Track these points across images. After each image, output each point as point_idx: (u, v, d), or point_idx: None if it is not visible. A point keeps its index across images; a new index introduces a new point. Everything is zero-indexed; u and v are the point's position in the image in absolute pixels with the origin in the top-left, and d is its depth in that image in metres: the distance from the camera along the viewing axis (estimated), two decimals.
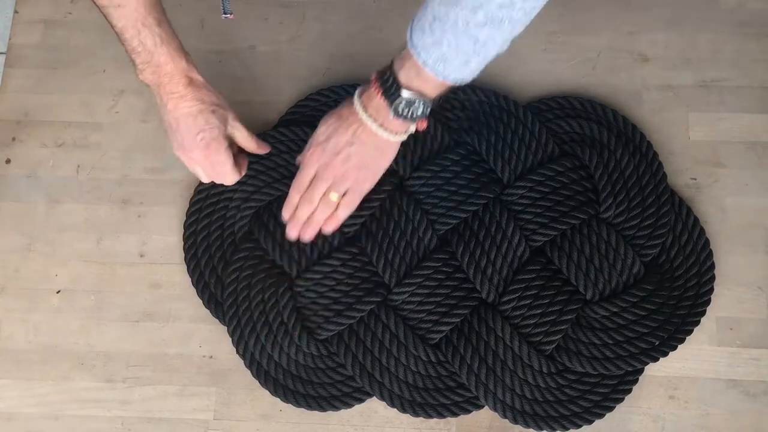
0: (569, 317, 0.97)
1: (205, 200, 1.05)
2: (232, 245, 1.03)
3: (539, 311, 0.97)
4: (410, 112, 0.87)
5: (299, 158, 0.99)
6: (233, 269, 1.01)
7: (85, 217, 1.06)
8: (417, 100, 0.86)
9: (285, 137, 1.06)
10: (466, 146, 1.04)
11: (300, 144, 1.05)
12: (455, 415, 0.96)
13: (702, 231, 1.01)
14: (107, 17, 0.87)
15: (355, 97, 0.92)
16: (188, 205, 1.05)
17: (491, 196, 1.01)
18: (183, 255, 1.04)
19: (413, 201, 1.02)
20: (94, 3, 0.86)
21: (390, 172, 1.03)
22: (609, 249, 0.99)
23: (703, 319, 0.98)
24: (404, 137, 0.93)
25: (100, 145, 1.10)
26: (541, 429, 0.95)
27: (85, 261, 1.05)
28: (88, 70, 1.13)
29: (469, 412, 0.96)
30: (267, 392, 0.98)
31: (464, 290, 0.98)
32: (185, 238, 1.04)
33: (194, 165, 0.97)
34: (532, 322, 0.97)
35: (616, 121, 1.06)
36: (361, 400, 0.97)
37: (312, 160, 0.96)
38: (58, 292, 1.03)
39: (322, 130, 0.96)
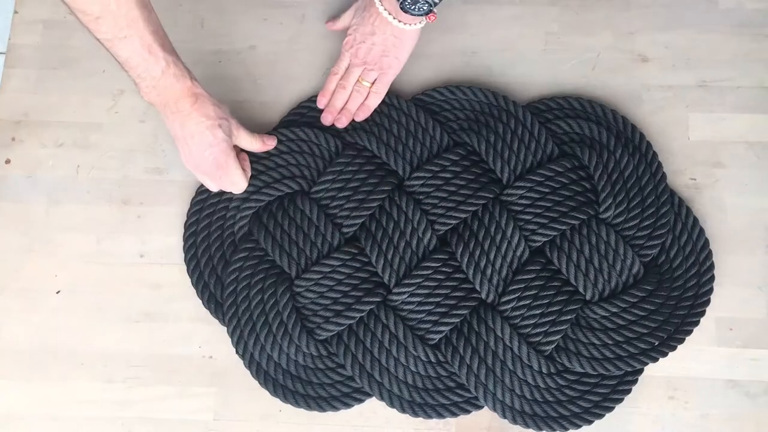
0: (569, 317, 0.97)
1: (206, 201, 1.05)
2: (232, 245, 1.03)
3: (539, 311, 0.97)
4: (415, 7, 0.96)
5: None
6: (233, 269, 1.01)
7: (85, 217, 1.06)
8: None
9: (285, 138, 1.06)
10: (465, 146, 1.04)
11: (301, 144, 1.05)
12: (455, 415, 0.96)
13: (701, 231, 1.01)
14: (111, 49, 0.89)
15: None
16: (188, 206, 1.05)
17: (491, 196, 1.01)
18: (183, 255, 1.04)
19: (413, 201, 1.02)
20: (96, 37, 0.87)
21: (389, 173, 1.03)
22: (608, 249, 0.99)
23: (702, 320, 0.98)
24: (419, 27, 1.01)
25: (100, 145, 1.10)
26: (541, 429, 0.95)
27: (85, 261, 1.05)
28: (88, 70, 1.13)
29: (469, 412, 0.96)
30: (267, 392, 0.98)
31: (464, 290, 0.98)
32: (185, 239, 1.04)
33: (204, 178, 1.00)
34: (531, 322, 0.97)
35: (615, 122, 1.06)
36: (360, 401, 0.97)
37: (345, 49, 1.06)
38: (58, 292, 1.04)
39: (356, 20, 1.04)
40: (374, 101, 1.06)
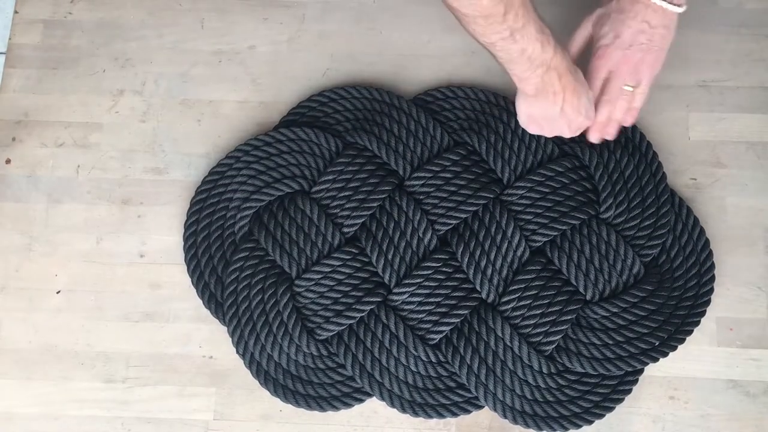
0: (569, 317, 0.97)
1: (206, 200, 1.05)
2: (232, 245, 1.03)
3: (539, 311, 0.97)
4: None
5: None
6: (233, 269, 1.01)
7: (85, 217, 1.06)
8: None
9: (285, 138, 1.06)
10: (466, 146, 1.04)
11: (301, 144, 1.05)
12: (455, 415, 0.96)
13: (702, 231, 1.01)
14: (503, 48, 0.85)
15: None
16: (188, 205, 1.05)
17: (491, 196, 1.01)
18: (183, 255, 1.03)
19: (413, 201, 1.02)
20: (484, 42, 0.84)
21: (390, 172, 1.03)
22: (609, 249, 0.99)
23: (703, 320, 0.98)
24: (686, 6, 0.95)
25: (100, 145, 1.10)
26: (541, 429, 0.95)
27: (85, 261, 1.05)
28: (88, 70, 1.13)
29: (469, 412, 0.96)
30: (267, 392, 0.98)
31: (464, 290, 0.98)
32: (185, 238, 1.04)
33: (561, 131, 0.99)
34: (532, 322, 0.97)
35: None
36: (361, 401, 0.97)
37: (601, 64, 0.98)
38: (58, 292, 1.04)
39: (606, 30, 0.97)
40: (641, 101, 0.99)
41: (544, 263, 0.99)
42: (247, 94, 1.11)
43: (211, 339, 1.01)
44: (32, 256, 1.05)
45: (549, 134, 1.00)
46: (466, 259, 0.99)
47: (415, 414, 0.96)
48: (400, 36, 1.14)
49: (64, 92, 1.12)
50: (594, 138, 1.01)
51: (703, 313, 0.98)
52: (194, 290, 1.02)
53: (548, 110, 0.94)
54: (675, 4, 0.94)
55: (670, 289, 0.99)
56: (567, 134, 0.99)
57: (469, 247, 0.99)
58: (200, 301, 1.02)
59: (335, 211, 1.02)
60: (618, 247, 0.99)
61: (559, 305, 0.97)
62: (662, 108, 1.09)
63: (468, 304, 0.98)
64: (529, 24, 0.83)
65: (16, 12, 1.16)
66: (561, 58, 0.89)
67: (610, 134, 1.01)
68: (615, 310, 0.97)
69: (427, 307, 0.98)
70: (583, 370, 0.96)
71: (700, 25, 1.12)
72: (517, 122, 1.04)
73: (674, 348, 0.96)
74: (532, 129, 1.00)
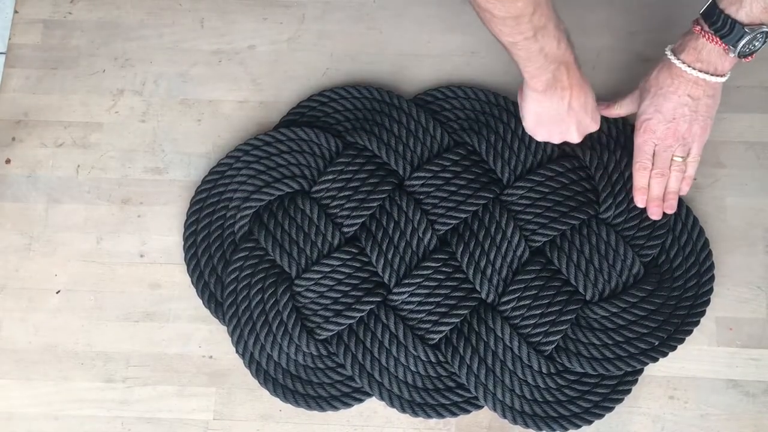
0: (569, 317, 0.97)
1: (206, 200, 1.05)
2: (232, 245, 1.03)
3: (539, 311, 0.97)
4: (751, 47, 0.89)
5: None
6: (233, 269, 1.01)
7: (85, 217, 1.06)
8: (759, 34, 0.88)
9: (285, 137, 1.06)
10: (466, 146, 1.04)
11: (301, 144, 1.05)
12: (455, 415, 0.96)
13: (702, 231, 1.01)
14: (525, 47, 0.85)
15: (672, 60, 0.93)
16: (188, 205, 1.05)
17: (491, 196, 1.01)
18: (183, 255, 1.04)
19: (413, 201, 1.02)
20: (506, 42, 0.84)
21: (390, 172, 1.03)
22: (609, 249, 0.99)
23: (702, 320, 0.98)
24: (730, 73, 0.94)
25: (100, 145, 1.10)
26: (541, 429, 0.95)
27: (85, 261, 1.05)
28: (88, 70, 1.13)
29: (469, 412, 0.96)
30: (267, 392, 0.98)
31: (464, 290, 0.98)
32: (185, 238, 1.04)
33: (569, 136, 0.99)
34: (531, 322, 0.97)
35: (615, 122, 1.06)
36: (360, 401, 0.97)
37: (646, 138, 0.97)
38: (58, 292, 1.04)
39: (647, 104, 0.96)
40: (694, 170, 0.99)
41: (544, 263, 0.99)
42: (247, 94, 1.12)
43: (211, 339, 1.01)
44: (32, 256, 1.05)
45: (557, 139, 0.99)
46: (466, 259, 0.99)
47: (415, 414, 0.96)
48: (400, 36, 1.14)
49: (64, 92, 1.12)
50: (655, 215, 1.00)
51: (702, 313, 0.98)
52: (194, 290, 1.02)
53: (557, 107, 0.94)
54: (718, 75, 0.92)
55: (670, 289, 0.99)
56: (575, 138, 0.99)
57: (469, 247, 0.99)
58: (200, 301, 1.02)
59: (335, 210, 1.02)
60: (617, 247, 0.99)
61: (558, 305, 0.97)
62: None
63: (468, 304, 0.98)
64: (549, 22, 0.84)
65: (16, 12, 1.16)
66: (571, 52, 0.90)
67: (671, 207, 1.00)
68: (614, 310, 0.97)
69: (426, 307, 0.98)
70: (582, 370, 0.96)
71: None
72: (517, 122, 1.05)
73: (674, 348, 0.96)
74: (540, 135, 0.99)
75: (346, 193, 1.02)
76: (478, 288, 0.98)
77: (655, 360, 0.96)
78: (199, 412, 0.98)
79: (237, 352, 0.99)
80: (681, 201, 1.02)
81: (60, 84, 1.12)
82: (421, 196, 1.02)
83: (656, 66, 0.96)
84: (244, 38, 1.14)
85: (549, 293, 0.98)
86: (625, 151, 1.04)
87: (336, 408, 0.97)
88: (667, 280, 0.99)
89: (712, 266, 1.00)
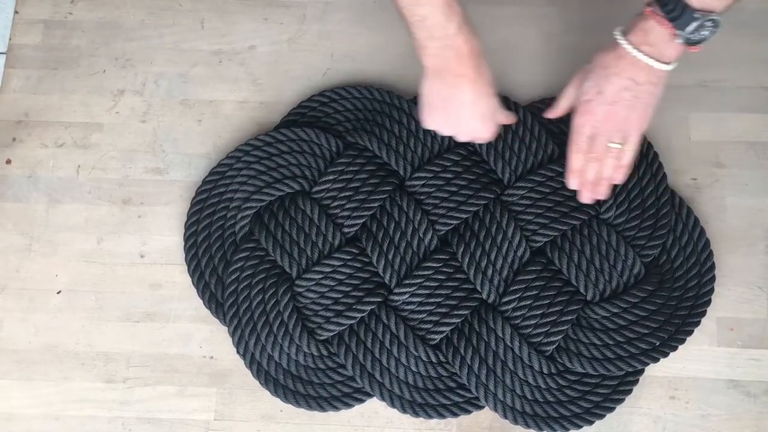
0: (570, 318, 0.97)
1: (206, 200, 1.05)
2: (232, 245, 1.03)
3: (540, 312, 0.97)
4: (699, 35, 0.87)
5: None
6: (234, 269, 1.01)
7: (86, 217, 1.06)
8: (707, 22, 0.87)
9: (286, 138, 1.06)
10: (466, 147, 1.04)
11: (301, 144, 1.05)
12: (455, 415, 0.96)
13: (702, 231, 1.02)
14: (410, 7, 0.85)
15: (620, 40, 0.91)
16: (189, 206, 1.05)
17: (492, 196, 1.01)
18: (183, 255, 1.04)
19: (414, 201, 1.02)
20: (399, 5, 0.85)
21: (391, 173, 1.03)
22: (609, 249, 0.99)
23: (703, 320, 0.98)
24: (676, 64, 0.92)
25: (100, 145, 1.10)
26: (542, 429, 0.95)
27: (85, 261, 1.05)
28: (88, 70, 1.13)
29: (470, 412, 0.96)
30: (267, 392, 0.98)
31: (465, 291, 0.98)
32: (186, 238, 1.04)
33: (446, 131, 0.98)
34: (532, 322, 0.97)
35: None
36: (361, 401, 0.97)
37: (585, 120, 0.95)
38: (58, 292, 1.04)
39: (589, 85, 0.94)
40: (630, 158, 0.97)
41: (545, 263, 0.99)
42: (247, 94, 1.12)
43: (212, 339, 1.01)
44: (33, 256, 1.05)
45: (447, 132, 0.98)
46: (467, 260, 0.99)
47: (416, 414, 0.96)
48: (401, 36, 1.13)
49: (65, 92, 1.12)
50: (585, 198, 0.99)
51: (703, 313, 0.98)
52: (194, 290, 1.02)
53: (447, 93, 0.93)
54: (663, 62, 0.91)
55: (671, 290, 0.99)
56: (462, 137, 0.98)
57: (470, 248, 0.99)
58: (201, 301, 1.02)
59: (336, 211, 1.02)
60: (618, 247, 0.99)
61: (559, 305, 0.97)
62: (662, 108, 1.08)
63: (468, 304, 0.98)
64: None
65: (16, 12, 1.16)
66: (465, 40, 0.89)
67: (602, 193, 0.98)
68: (615, 310, 0.97)
69: (427, 308, 0.98)
70: (583, 371, 0.96)
71: None
72: (517, 122, 1.04)
73: (675, 348, 0.96)
74: (429, 121, 0.97)
75: (347, 193, 1.02)
76: (479, 288, 0.98)
77: (656, 360, 0.96)
78: (200, 413, 0.98)
79: (238, 352, 0.99)
80: (682, 201, 1.03)
81: (60, 84, 1.12)
82: (422, 197, 1.02)
83: (604, 47, 0.94)
84: (245, 38, 1.14)
85: (550, 293, 0.98)
86: None
87: (337, 408, 0.97)
88: (668, 281, 0.99)
89: (713, 266, 1.00)
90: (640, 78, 0.92)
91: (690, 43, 0.89)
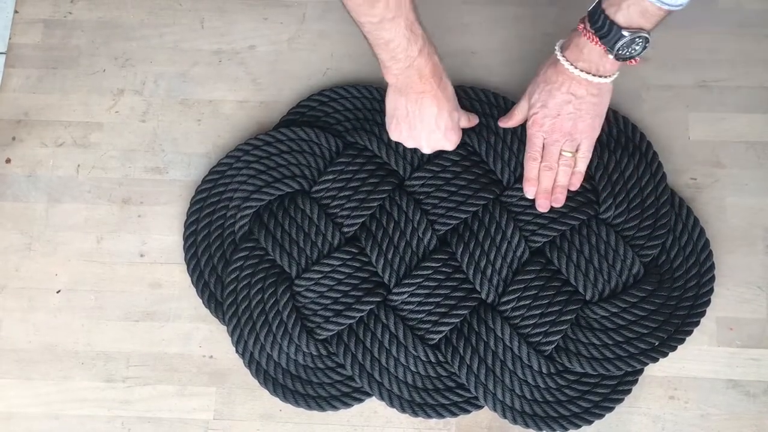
0: (569, 318, 0.97)
1: (206, 200, 1.05)
2: (232, 245, 1.03)
3: (539, 312, 0.97)
4: (630, 51, 0.90)
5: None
6: (233, 269, 1.01)
7: (85, 216, 1.06)
8: (637, 38, 0.88)
9: (286, 137, 1.06)
10: (466, 147, 1.04)
11: (301, 144, 1.05)
12: (455, 415, 0.96)
13: (702, 231, 1.01)
14: (373, 32, 0.87)
15: (558, 56, 0.94)
16: (188, 205, 1.05)
17: (491, 197, 1.02)
18: (183, 255, 1.04)
19: (413, 201, 1.02)
20: (358, 22, 0.86)
21: (390, 172, 1.04)
22: (608, 249, 0.99)
23: (703, 320, 0.98)
24: (616, 75, 0.95)
25: (100, 145, 1.10)
26: (541, 429, 0.95)
27: (85, 261, 1.05)
28: (88, 70, 1.13)
29: (469, 412, 0.96)
30: (266, 392, 0.98)
31: (464, 290, 0.98)
32: (185, 238, 1.04)
33: (411, 144, 1.00)
34: (531, 322, 0.97)
35: (616, 121, 1.06)
36: (360, 400, 0.97)
37: (534, 131, 0.99)
38: (58, 291, 1.04)
39: (536, 98, 0.98)
40: (583, 165, 1.00)
41: (544, 263, 0.99)
42: (247, 94, 1.12)
43: (211, 338, 1.01)
44: (32, 256, 1.05)
45: (409, 143, 1.00)
46: (466, 260, 0.99)
47: (415, 414, 0.96)
48: None
49: (64, 92, 1.12)
50: (542, 207, 1.00)
51: (703, 313, 0.98)
52: (194, 290, 1.02)
53: (410, 108, 0.95)
54: (601, 76, 0.93)
55: (670, 289, 0.99)
56: (425, 148, 1.00)
57: (469, 248, 0.99)
58: (200, 301, 1.02)
59: (335, 210, 1.02)
60: (617, 247, 0.99)
61: (558, 305, 0.97)
62: (662, 108, 1.09)
63: (467, 304, 0.98)
64: (399, 18, 0.85)
65: (16, 12, 1.16)
66: (426, 60, 0.91)
67: (558, 200, 1.00)
68: (614, 310, 0.97)
69: (426, 307, 0.98)
70: (582, 370, 0.96)
71: (700, 25, 1.12)
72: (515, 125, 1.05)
73: (674, 348, 0.96)
74: (393, 133, 0.99)
75: (346, 193, 1.02)
76: (478, 288, 0.98)
77: (656, 360, 0.96)
78: (200, 412, 0.98)
79: (237, 351, 0.99)
80: (681, 201, 1.03)
81: (60, 84, 1.12)
82: (421, 197, 1.02)
83: (547, 61, 0.97)
84: (245, 38, 1.14)
85: (549, 293, 0.98)
86: (626, 151, 1.04)
87: (336, 408, 0.97)
88: (668, 280, 0.99)
89: (712, 266, 1.00)
90: (580, 92, 0.95)
91: (621, 58, 0.91)
